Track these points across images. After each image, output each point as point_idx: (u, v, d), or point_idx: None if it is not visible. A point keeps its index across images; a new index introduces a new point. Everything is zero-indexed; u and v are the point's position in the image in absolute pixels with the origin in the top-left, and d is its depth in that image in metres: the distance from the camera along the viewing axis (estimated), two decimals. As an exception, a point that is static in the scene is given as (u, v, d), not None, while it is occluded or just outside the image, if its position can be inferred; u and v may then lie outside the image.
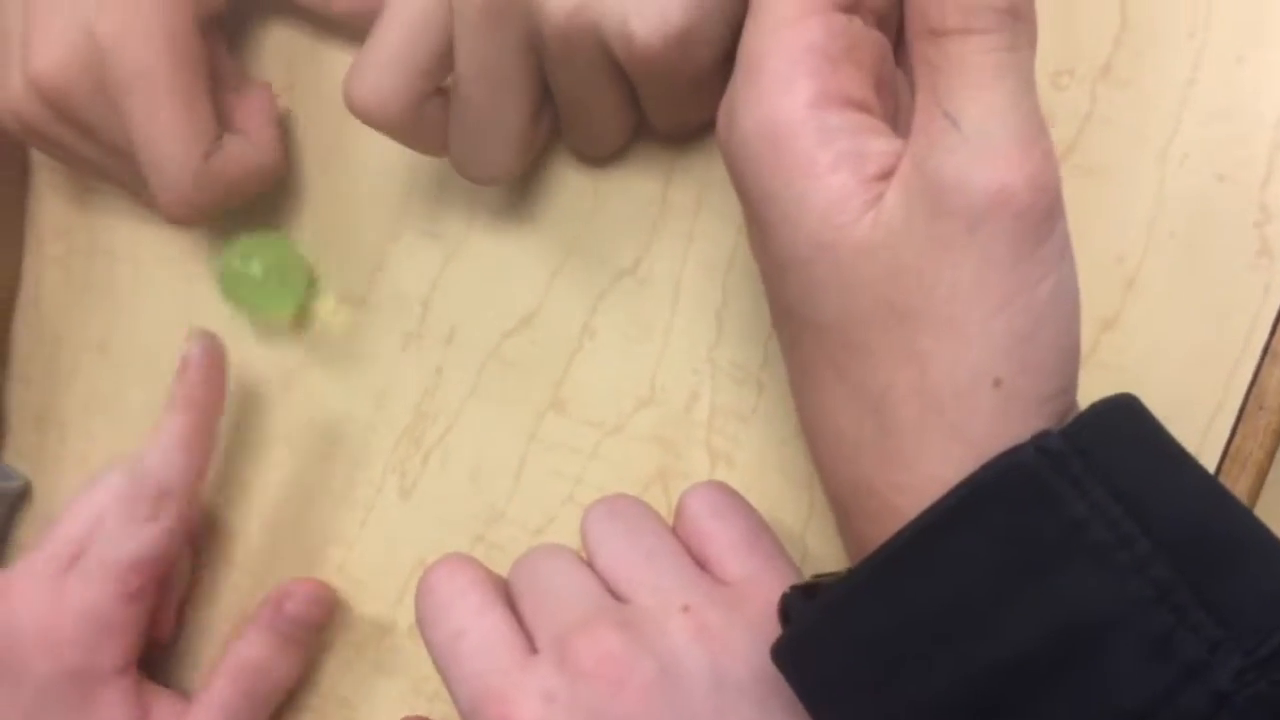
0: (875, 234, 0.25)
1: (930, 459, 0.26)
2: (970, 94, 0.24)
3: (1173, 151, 0.31)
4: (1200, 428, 0.30)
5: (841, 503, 0.28)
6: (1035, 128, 0.24)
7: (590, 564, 0.33)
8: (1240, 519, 0.26)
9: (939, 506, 0.25)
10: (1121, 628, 0.24)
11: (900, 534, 0.26)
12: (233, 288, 0.40)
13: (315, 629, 0.40)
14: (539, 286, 0.38)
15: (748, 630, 0.30)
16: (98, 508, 0.39)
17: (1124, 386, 0.28)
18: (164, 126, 0.36)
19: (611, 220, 0.38)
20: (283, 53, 0.42)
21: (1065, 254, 0.25)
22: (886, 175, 0.26)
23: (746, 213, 0.28)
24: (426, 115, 0.34)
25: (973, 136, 0.24)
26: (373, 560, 0.41)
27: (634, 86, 0.33)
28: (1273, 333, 0.30)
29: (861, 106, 0.26)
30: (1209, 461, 0.30)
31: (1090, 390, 0.27)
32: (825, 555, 0.35)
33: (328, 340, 0.42)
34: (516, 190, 0.39)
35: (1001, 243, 0.24)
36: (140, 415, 0.45)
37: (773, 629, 0.28)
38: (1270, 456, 0.30)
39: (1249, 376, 0.30)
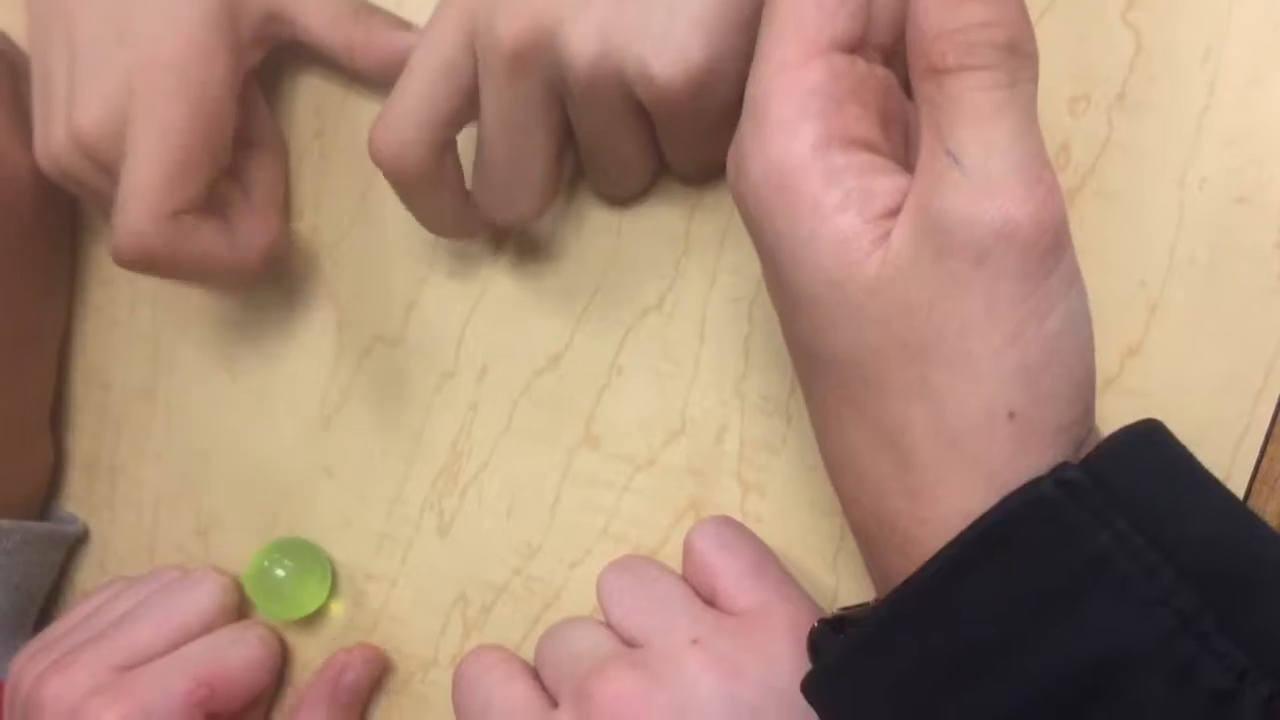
0: (884, 272, 0.25)
1: (950, 492, 0.26)
2: (971, 131, 0.25)
3: (1191, 176, 0.31)
4: (1228, 451, 0.30)
5: (865, 535, 0.29)
6: (1038, 162, 0.25)
7: (606, 622, 0.34)
8: (1267, 544, 0.26)
9: (961, 541, 0.25)
10: (1148, 659, 0.24)
11: (924, 569, 0.26)
12: (255, 586, 0.42)
13: (370, 690, 0.42)
14: (567, 324, 0.39)
15: (758, 656, 0.31)
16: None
17: (1149, 412, 0.28)
18: (144, 181, 0.36)
19: (636, 256, 0.38)
20: (312, 100, 0.43)
21: (1074, 285, 0.25)
22: (894, 213, 0.26)
23: (760, 254, 0.28)
24: (446, 166, 0.34)
25: (975, 174, 0.24)
26: (414, 596, 0.41)
27: (657, 130, 0.34)
28: (1298, 354, 0.30)
29: (867, 145, 0.26)
30: (1238, 484, 0.30)
31: (1116, 416, 0.27)
32: (855, 583, 0.35)
33: (372, 378, 0.43)
34: (542, 229, 0.39)
35: (1008, 277, 0.24)
36: (185, 461, 0.46)
37: (783, 652, 0.29)
38: (1300, 478, 0.29)
39: (1275, 398, 0.30)
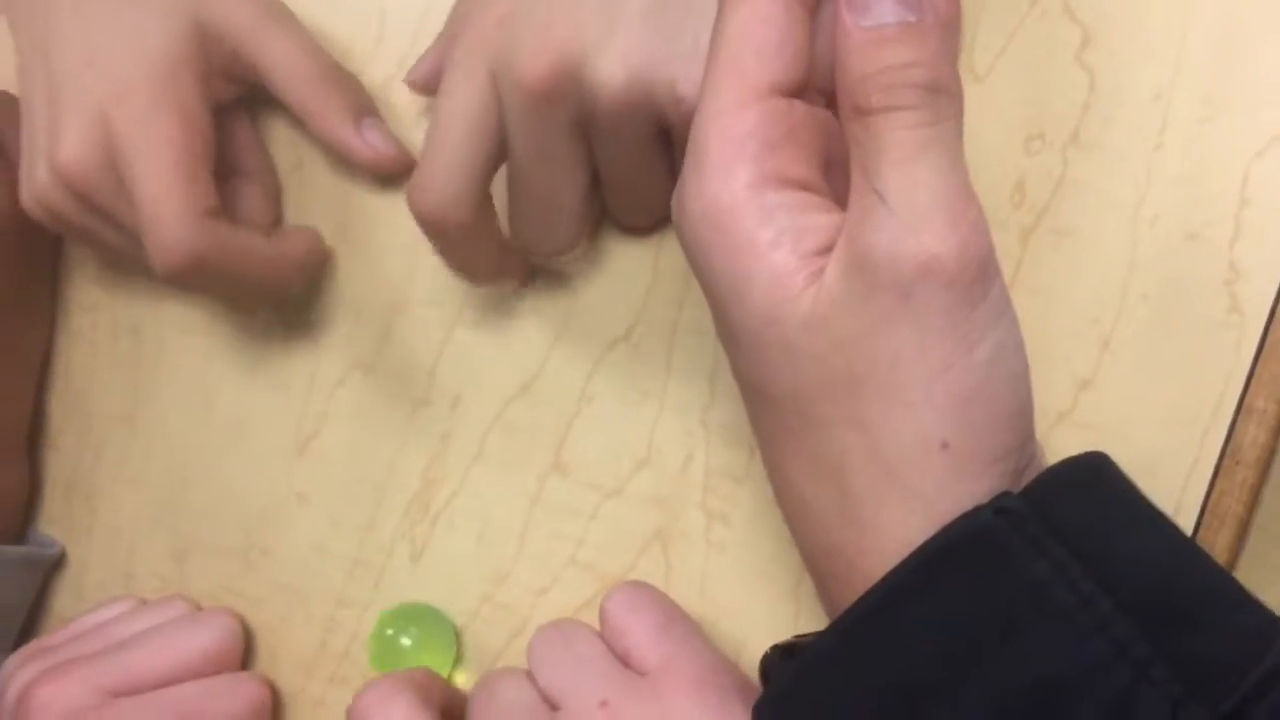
0: (818, 308, 0.26)
1: (890, 522, 0.26)
2: (895, 169, 0.25)
3: (1143, 213, 0.32)
4: (1178, 485, 0.31)
5: (813, 566, 0.29)
6: (961, 198, 0.25)
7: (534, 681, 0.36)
8: (1207, 574, 0.27)
9: (901, 570, 0.26)
10: (1085, 687, 0.24)
11: (865, 597, 0.26)
12: (380, 656, 0.41)
13: None
14: (538, 354, 0.40)
15: (664, 714, 0.32)
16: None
17: (1102, 445, 0.28)
18: (165, 187, 0.37)
19: (606, 288, 0.39)
20: (291, 132, 0.44)
21: (1002, 316, 0.26)
22: (827, 250, 0.26)
23: (705, 293, 0.29)
24: (486, 216, 0.35)
25: (899, 210, 0.25)
26: (386, 622, 0.42)
27: (678, 153, 0.34)
28: (1246, 389, 0.30)
29: (803, 185, 0.27)
30: (1188, 517, 0.31)
31: (1068, 449, 0.28)
32: (817, 612, 0.35)
33: (347, 406, 0.43)
34: (515, 261, 0.40)
35: (935, 311, 0.25)
36: (163, 487, 0.46)
37: (689, 709, 0.31)
38: (1249, 511, 0.30)
39: (1224, 433, 0.30)
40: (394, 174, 0.42)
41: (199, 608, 0.44)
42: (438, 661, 0.41)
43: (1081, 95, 0.32)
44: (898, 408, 0.26)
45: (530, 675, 0.36)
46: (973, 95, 0.34)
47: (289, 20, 0.41)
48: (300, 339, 0.44)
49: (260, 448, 0.44)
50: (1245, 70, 0.31)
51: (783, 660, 0.29)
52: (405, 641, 0.40)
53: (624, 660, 0.35)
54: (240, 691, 0.41)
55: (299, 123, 0.41)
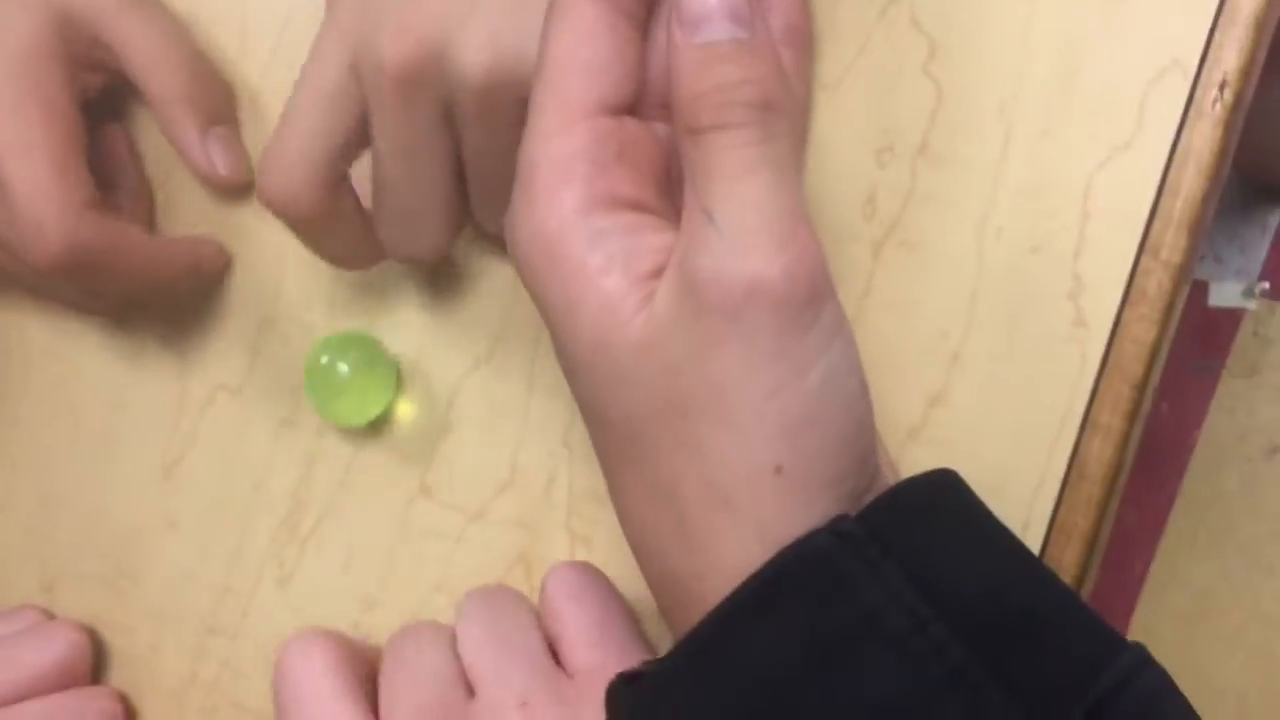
0: (648, 332, 0.25)
1: (725, 547, 0.26)
2: (724, 189, 0.25)
3: (989, 226, 0.31)
4: (1026, 500, 0.30)
5: (657, 593, 0.28)
6: (790, 218, 0.25)
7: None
8: (1046, 593, 0.26)
9: (737, 595, 0.25)
10: (920, 715, 0.24)
11: (702, 624, 0.26)
12: (315, 385, 0.38)
13: None
14: (401, 372, 0.39)
15: None
16: None
17: (952, 461, 0.28)
18: (38, 181, 0.35)
19: (467, 308, 0.38)
20: (161, 139, 0.43)
21: (835, 340, 0.25)
22: (661, 272, 0.26)
23: (542, 317, 0.28)
24: (342, 200, 0.34)
25: (728, 231, 0.24)
26: (255, 651, 0.41)
27: None
28: (1090, 403, 0.30)
29: (636, 205, 0.26)
30: (1036, 533, 0.30)
31: (920, 465, 0.27)
32: (680, 636, 0.35)
33: (214, 427, 0.42)
34: (376, 280, 0.39)
35: (764, 333, 0.24)
36: (30, 513, 0.45)
37: None
38: (1096, 526, 0.30)
39: (1069, 448, 0.30)
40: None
41: (51, 617, 0.43)
42: (379, 389, 0.38)
43: (929, 106, 0.32)
44: (728, 432, 0.25)
45: (454, 640, 0.34)
46: (823, 106, 0.33)
47: (152, 5, 0.39)
48: (166, 357, 0.43)
49: (127, 470, 0.43)
50: (1087, 81, 0.30)
51: (627, 688, 0.29)
52: (343, 368, 0.37)
53: (554, 646, 0.34)
54: (91, 708, 0.40)
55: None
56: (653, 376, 0.26)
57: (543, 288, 0.26)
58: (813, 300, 0.25)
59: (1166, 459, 1.07)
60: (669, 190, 0.28)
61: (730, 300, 0.24)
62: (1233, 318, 1.08)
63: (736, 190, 0.24)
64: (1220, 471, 1.07)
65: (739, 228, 0.24)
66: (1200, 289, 1.05)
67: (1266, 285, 1.05)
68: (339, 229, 0.34)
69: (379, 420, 0.39)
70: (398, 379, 0.39)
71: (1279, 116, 0.88)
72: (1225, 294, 1.06)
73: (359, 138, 0.32)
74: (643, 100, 0.28)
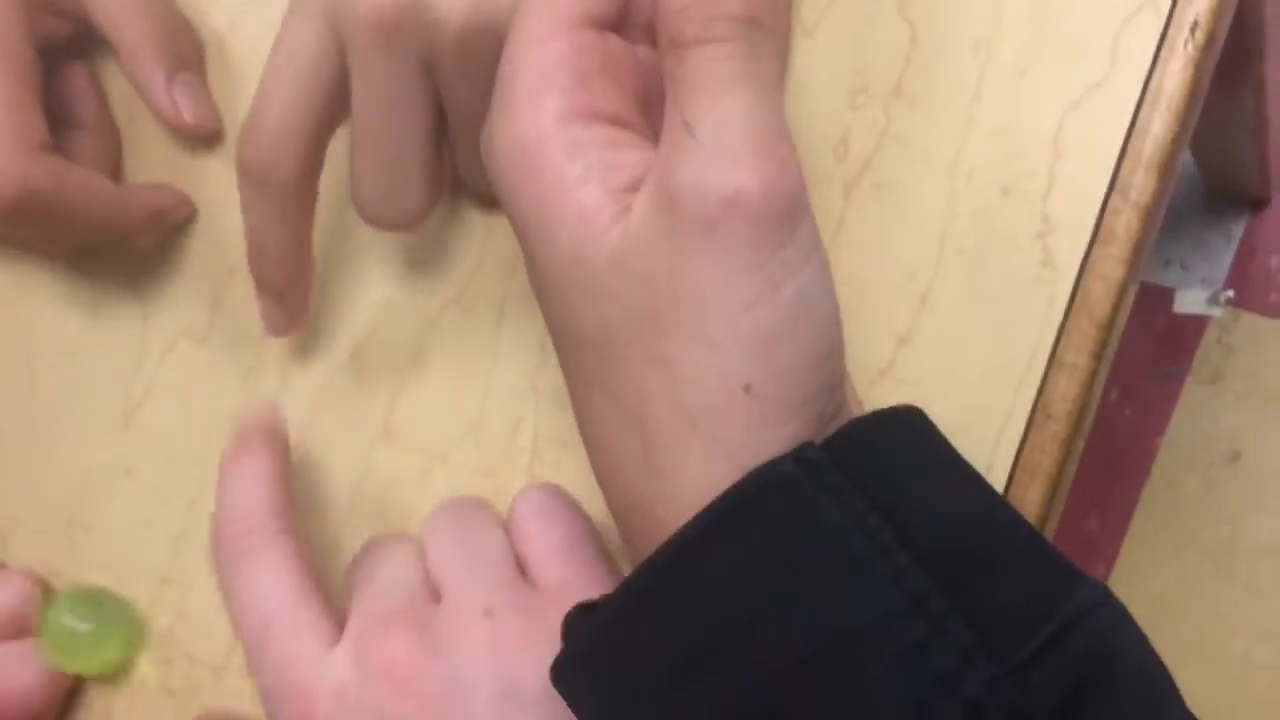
0: (624, 245, 0.25)
1: (690, 470, 0.26)
2: (707, 102, 0.24)
3: (960, 166, 0.31)
4: (991, 439, 0.30)
5: (619, 520, 0.28)
6: (772, 134, 0.25)
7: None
8: (1008, 528, 0.26)
9: (700, 519, 0.25)
10: (877, 639, 0.24)
11: (663, 548, 0.25)
12: (58, 643, 0.39)
13: None
14: (368, 316, 0.38)
15: (546, 641, 0.30)
16: None
17: (919, 401, 0.28)
18: None
19: (437, 249, 0.38)
20: (126, 84, 0.42)
21: (811, 258, 0.25)
22: (638, 187, 0.26)
23: (515, 234, 0.28)
24: (309, 178, 0.33)
25: (708, 144, 0.24)
26: (208, 599, 0.40)
27: None
28: (1057, 342, 0.30)
29: (616, 120, 0.26)
30: (1001, 472, 0.30)
31: (888, 404, 0.27)
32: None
33: (175, 374, 0.41)
34: (346, 223, 0.39)
35: (740, 246, 0.24)
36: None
37: None
38: (1060, 466, 0.30)
39: (1035, 388, 0.30)
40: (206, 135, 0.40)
41: (2, 566, 0.42)
42: (114, 648, 0.39)
43: (904, 48, 0.32)
44: (700, 345, 0.25)
45: (421, 550, 0.34)
46: (802, 49, 0.33)
47: None
48: (128, 303, 0.42)
49: (83, 417, 0.42)
50: (1062, 19, 0.31)
51: (583, 618, 0.28)
52: (83, 627, 0.38)
53: (521, 564, 0.33)
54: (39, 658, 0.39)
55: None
56: (627, 289, 0.25)
57: (519, 199, 0.26)
58: (790, 216, 0.25)
59: (1129, 464, 1.08)
60: (649, 112, 0.28)
61: (708, 212, 0.24)
62: (1197, 324, 1.09)
63: (719, 104, 0.24)
64: (1183, 477, 1.08)
65: (720, 141, 0.24)
66: (1166, 296, 1.06)
67: (1231, 293, 1.06)
68: (293, 212, 0.34)
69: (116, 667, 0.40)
70: (139, 630, 0.40)
71: (1244, 126, 0.90)
72: (1190, 301, 1.06)
73: (340, 105, 0.32)
74: (627, 21, 0.28)
